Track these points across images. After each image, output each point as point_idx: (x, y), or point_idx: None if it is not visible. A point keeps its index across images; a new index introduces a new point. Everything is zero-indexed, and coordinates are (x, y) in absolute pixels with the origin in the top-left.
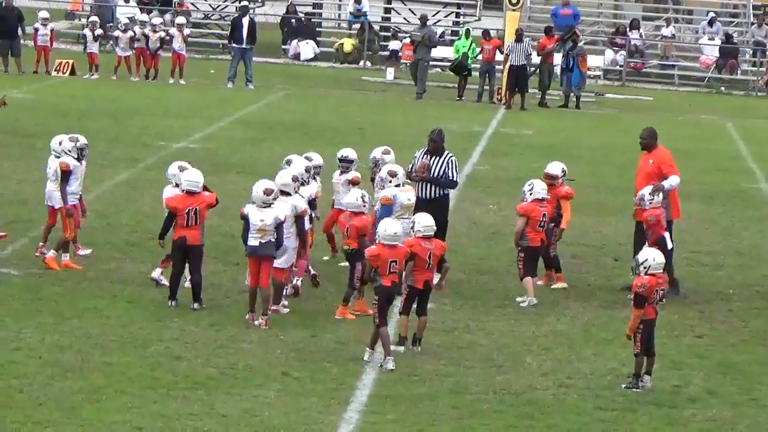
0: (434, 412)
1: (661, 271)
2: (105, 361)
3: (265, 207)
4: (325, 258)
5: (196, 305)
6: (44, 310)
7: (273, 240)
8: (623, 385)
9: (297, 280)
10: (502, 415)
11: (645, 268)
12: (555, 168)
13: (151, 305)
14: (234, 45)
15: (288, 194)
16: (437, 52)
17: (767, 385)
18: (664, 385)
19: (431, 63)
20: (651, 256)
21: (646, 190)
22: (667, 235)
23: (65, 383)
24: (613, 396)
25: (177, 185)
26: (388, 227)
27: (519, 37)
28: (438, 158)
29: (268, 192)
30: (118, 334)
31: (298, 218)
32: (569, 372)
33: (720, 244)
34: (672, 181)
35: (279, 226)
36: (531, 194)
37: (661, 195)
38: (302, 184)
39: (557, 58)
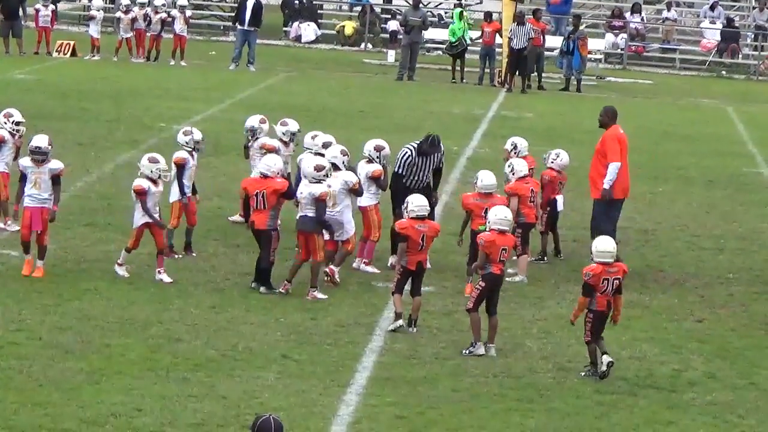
0: (434, 395)
1: (611, 260)
2: (105, 343)
3: (314, 182)
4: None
5: (253, 284)
6: (44, 292)
7: (311, 215)
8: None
9: (360, 263)
10: (501, 399)
11: (593, 254)
12: (507, 146)
13: (152, 287)
14: (238, 26)
15: (338, 168)
16: (439, 35)
17: (767, 369)
18: (663, 369)
19: (431, 46)
20: (599, 242)
21: (550, 155)
22: (559, 198)
23: (65, 364)
24: (613, 379)
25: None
26: (499, 212)
27: (521, 20)
28: (433, 156)
29: (318, 168)
30: (118, 315)
31: (353, 191)
32: (569, 355)
33: (720, 228)
34: (610, 175)
35: (317, 201)
36: (513, 174)
37: (563, 159)
38: (370, 161)
39: (553, 42)
